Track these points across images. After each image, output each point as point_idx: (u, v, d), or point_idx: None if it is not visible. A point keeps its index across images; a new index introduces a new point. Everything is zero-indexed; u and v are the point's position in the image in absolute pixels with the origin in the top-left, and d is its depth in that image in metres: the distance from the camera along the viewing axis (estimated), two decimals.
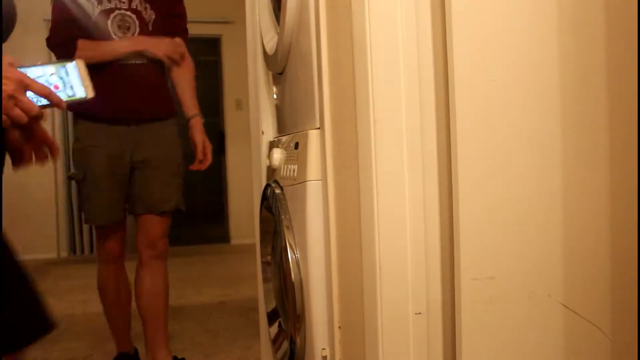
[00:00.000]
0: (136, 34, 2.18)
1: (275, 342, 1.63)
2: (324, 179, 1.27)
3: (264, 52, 1.69)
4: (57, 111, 5.18)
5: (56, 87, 0.81)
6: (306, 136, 1.33)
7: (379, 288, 1.01)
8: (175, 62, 2.28)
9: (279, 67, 1.60)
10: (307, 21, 1.33)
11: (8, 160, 0.91)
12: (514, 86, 0.96)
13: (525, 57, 0.96)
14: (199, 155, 2.32)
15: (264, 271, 1.80)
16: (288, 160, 1.46)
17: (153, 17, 2.23)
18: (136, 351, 2.45)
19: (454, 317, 1.00)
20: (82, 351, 2.71)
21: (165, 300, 2.30)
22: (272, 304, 1.71)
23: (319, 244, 1.29)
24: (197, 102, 2.37)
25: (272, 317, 1.70)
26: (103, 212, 2.18)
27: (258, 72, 1.86)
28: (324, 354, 1.29)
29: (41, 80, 0.79)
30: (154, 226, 2.24)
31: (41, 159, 0.87)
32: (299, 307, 1.35)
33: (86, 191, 2.18)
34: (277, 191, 1.50)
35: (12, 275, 0.88)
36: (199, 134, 2.31)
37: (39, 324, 0.90)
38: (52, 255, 5.76)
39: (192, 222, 6.03)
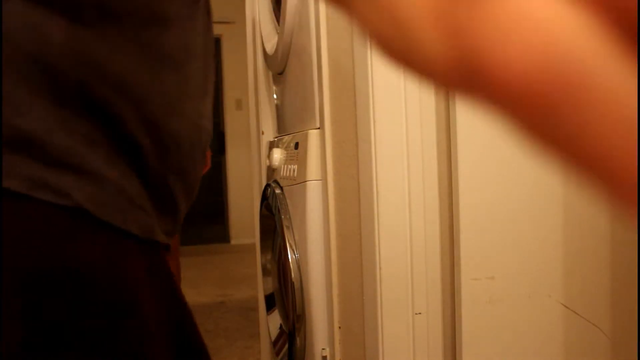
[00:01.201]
0: None
1: (276, 342, 1.63)
2: (324, 179, 1.27)
3: (264, 52, 1.69)
4: None
5: None
6: (306, 136, 1.33)
7: (379, 288, 1.01)
8: None
9: (279, 67, 1.60)
10: (307, 21, 1.33)
11: None
12: None
13: None
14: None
15: (263, 270, 1.80)
16: (288, 160, 1.46)
17: None
18: None
19: (454, 317, 1.00)
20: None
21: None
22: (270, 289, 1.72)
23: (319, 244, 1.29)
24: None
25: (269, 302, 1.71)
26: None
27: (258, 72, 1.86)
28: (324, 354, 1.29)
29: None
30: None
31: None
32: (299, 307, 1.35)
33: None
34: (277, 191, 1.50)
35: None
36: None
37: None
38: None
39: (192, 222, 6.03)
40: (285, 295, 1.50)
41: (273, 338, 1.65)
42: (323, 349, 1.30)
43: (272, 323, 1.67)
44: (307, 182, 1.30)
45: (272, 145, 1.69)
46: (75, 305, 0.43)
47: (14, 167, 0.42)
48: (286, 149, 1.51)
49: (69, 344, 0.42)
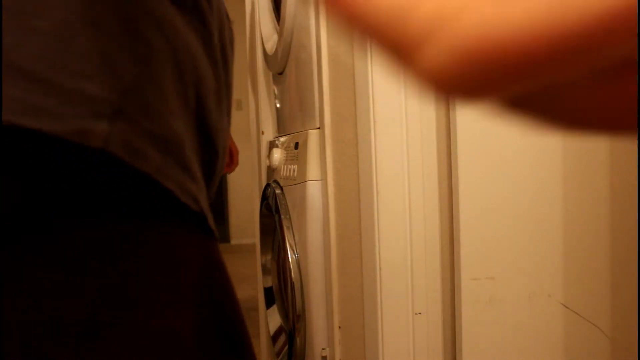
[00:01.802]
0: None
1: (276, 342, 1.63)
2: (324, 178, 1.27)
3: (264, 52, 1.69)
4: None
5: None
6: (306, 136, 1.33)
7: (379, 288, 1.01)
8: None
9: (279, 67, 1.60)
10: (307, 21, 1.33)
11: None
12: None
13: None
14: (226, 159, 2.38)
15: (263, 270, 1.80)
16: (288, 160, 1.46)
17: None
18: None
19: (454, 317, 1.00)
20: None
21: None
22: (269, 283, 1.73)
23: (319, 244, 1.29)
24: None
25: (268, 297, 1.71)
26: None
27: (258, 72, 1.86)
28: (324, 354, 1.29)
29: None
30: None
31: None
32: (299, 307, 1.35)
33: None
34: (277, 191, 1.50)
35: None
36: None
37: None
38: None
39: None
40: (285, 295, 1.50)
41: (273, 338, 1.65)
42: (323, 349, 1.29)
43: (272, 323, 1.67)
44: (307, 182, 1.30)
45: (272, 145, 1.69)
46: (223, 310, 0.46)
47: (170, 170, 0.40)
48: (286, 149, 1.51)
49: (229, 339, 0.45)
